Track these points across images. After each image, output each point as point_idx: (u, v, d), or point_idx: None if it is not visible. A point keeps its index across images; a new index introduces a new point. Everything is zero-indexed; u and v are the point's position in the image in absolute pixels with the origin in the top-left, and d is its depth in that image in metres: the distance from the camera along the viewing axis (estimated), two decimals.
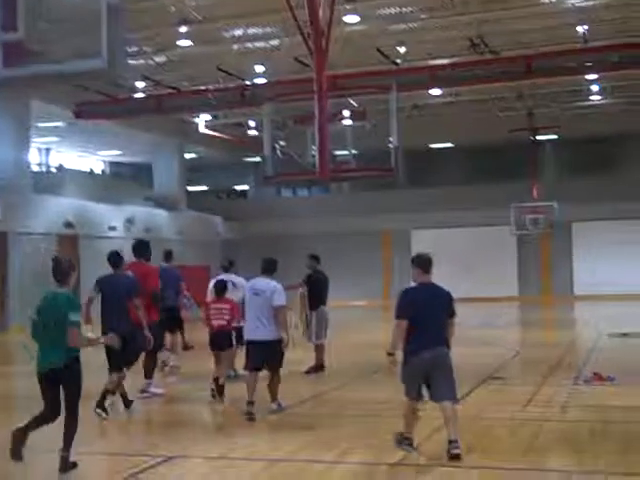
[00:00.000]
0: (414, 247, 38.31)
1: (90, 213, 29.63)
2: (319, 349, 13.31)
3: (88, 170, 36.26)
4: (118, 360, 9.36)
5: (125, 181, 39.62)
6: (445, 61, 23.46)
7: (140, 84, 27.25)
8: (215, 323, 10.60)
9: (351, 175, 11.21)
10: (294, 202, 43.25)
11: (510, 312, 31.10)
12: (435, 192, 38.38)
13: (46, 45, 4.76)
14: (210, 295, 11.51)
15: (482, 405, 9.86)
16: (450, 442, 7.08)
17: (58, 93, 26.00)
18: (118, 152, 39.93)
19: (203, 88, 25.28)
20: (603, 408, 9.61)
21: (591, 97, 31.73)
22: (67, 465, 6.97)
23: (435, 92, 29.20)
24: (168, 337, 13.13)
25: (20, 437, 6.94)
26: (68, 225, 27.92)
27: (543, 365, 13.37)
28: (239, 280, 12.22)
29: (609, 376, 11.31)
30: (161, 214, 34.68)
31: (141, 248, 11.08)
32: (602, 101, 31.66)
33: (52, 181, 29.52)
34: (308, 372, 13.07)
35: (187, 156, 38.99)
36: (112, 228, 30.56)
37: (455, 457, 7.00)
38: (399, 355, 7.40)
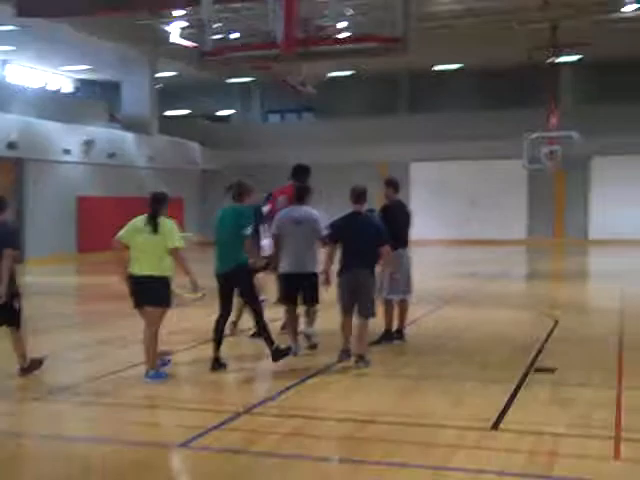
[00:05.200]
0: (413, 181, 34.69)
1: (39, 133, 25.39)
2: (389, 308, 9.60)
3: (41, 86, 31.81)
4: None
5: (86, 100, 35.09)
6: None
7: None
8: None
9: (333, 49, 7.08)
10: (282, 129, 39.70)
11: (523, 259, 27.31)
12: (438, 119, 34.66)
13: None
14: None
15: (538, 430, 6.01)
16: (359, 346, 8.33)
17: None
18: (84, 67, 35.45)
19: None
20: None
21: (624, 8, 27.10)
22: (279, 352, 8.15)
23: None
24: None
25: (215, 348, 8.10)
26: (10, 146, 23.76)
27: (603, 346, 9.57)
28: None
29: None
30: (128, 137, 30.42)
31: (300, 171, 9.83)
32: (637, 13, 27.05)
33: None
34: (378, 342, 9.48)
35: (163, 75, 34.57)
36: (66, 151, 26.38)
37: (361, 357, 8.25)
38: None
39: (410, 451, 5.65)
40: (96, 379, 7.88)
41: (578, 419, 6.39)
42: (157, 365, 7.80)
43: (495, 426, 6.11)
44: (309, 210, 8.96)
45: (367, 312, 8.37)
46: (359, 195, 8.52)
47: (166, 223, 7.63)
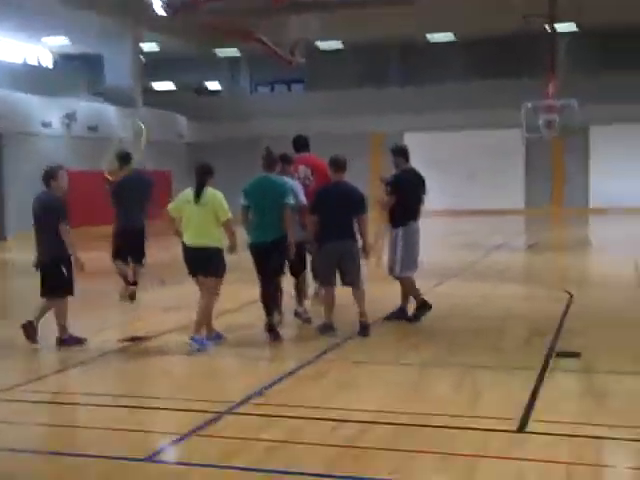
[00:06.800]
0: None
1: (18, 105, 24.21)
2: (406, 284, 8.81)
3: (21, 61, 30.52)
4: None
5: (67, 73, 33.79)
6: None
7: None
8: None
9: None
10: (271, 101, 38.36)
11: (523, 229, 26.32)
12: (432, 90, 33.56)
13: None
14: None
15: (574, 432, 5.05)
16: (361, 314, 8.16)
17: None
18: (65, 40, 34.09)
19: None
20: None
21: None
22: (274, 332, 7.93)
23: None
24: None
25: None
26: None
27: (629, 322, 8.62)
28: None
29: None
30: (110, 110, 29.22)
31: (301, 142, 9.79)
32: None
33: None
34: (389, 318, 8.84)
35: (147, 47, 33.30)
36: (46, 124, 25.24)
37: (365, 327, 8.11)
38: None
39: (424, 463, 4.65)
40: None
41: (621, 416, 5.40)
42: (211, 334, 7.82)
43: (521, 428, 5.12)
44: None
45: (355, 280, 8.18)
46: (342, 165, 8.34)
47: (215, 195, 7.68)
